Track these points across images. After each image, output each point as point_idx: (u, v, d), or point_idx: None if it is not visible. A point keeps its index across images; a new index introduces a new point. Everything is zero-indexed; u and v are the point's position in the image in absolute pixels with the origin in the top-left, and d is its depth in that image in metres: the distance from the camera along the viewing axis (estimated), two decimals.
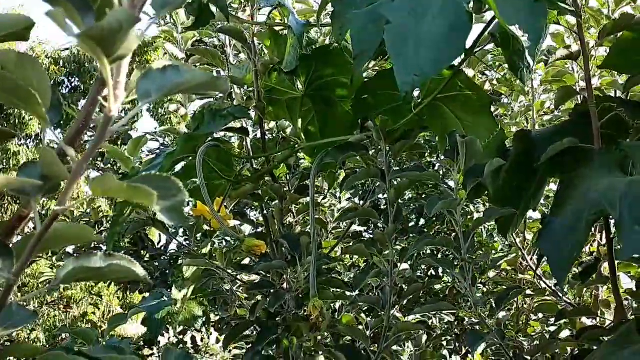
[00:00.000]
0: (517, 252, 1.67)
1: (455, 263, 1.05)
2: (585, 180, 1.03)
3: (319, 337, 1.51)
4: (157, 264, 3.40)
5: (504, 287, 1.52)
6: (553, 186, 1.96)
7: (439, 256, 1.83)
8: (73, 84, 8.45)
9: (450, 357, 2.46)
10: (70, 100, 8.37)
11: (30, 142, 8.17)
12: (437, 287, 2.41)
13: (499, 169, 1.09)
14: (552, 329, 1.72)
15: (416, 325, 1.19)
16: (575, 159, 1.08)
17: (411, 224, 2.52)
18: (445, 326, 2.16)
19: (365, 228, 2.33)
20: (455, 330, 2.31)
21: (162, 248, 3.32)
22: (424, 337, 1.88)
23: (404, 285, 1.56)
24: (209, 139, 1.25)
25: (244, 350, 1.91)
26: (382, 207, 3.49)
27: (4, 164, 7.54)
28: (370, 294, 1.73)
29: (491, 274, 2.02)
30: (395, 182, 1.20)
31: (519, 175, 1.14)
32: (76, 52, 8.19)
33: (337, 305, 2.16)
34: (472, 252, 1.05)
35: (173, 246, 3.16)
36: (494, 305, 1.13)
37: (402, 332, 1.21)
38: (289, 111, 1.39)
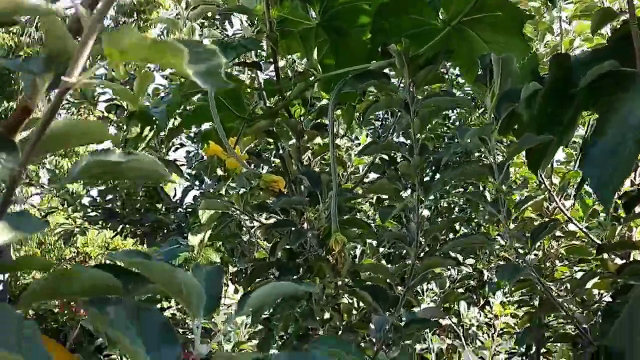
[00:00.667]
0: (544, 195, 1.61)
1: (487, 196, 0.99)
2: (627, 103, 0.97)
3: (339, 282, 1.47)
4: (173, 216, 3.39)
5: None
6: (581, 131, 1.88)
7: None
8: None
9: (468, 309, 2.44)
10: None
11: None
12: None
13: (533, 95, 1.02)
14: (580, 274, 1.68)
15: (447, 261, 1.14)
16: (615, 82, 1.01)
17: (426, 178, 2.47)
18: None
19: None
20: (472, 282, 2.28)
21: (178, 201, 3.30)
22: (447, 281, 1.85)
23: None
24: None
25: None
26: (399, 160, 3.44)
27: None
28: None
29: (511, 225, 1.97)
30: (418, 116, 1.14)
31: (555, 102, 1.07)
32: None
33: (358, 252, 2.12)
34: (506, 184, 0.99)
35: (189, 199, 3.13)
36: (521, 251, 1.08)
37: (431, 268, 1.16)
38: (302, 43, 1.31)
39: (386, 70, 1.22)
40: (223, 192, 1.54)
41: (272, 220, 1.42)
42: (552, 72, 1.06)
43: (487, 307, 2.50)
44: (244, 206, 1.41)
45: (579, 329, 1.09)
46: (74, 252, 6.69)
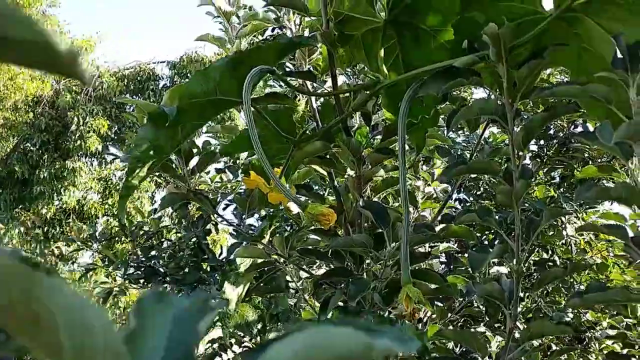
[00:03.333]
0: None
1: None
2: None
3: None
4: (217, 276, 3.14)
5: None
6: None
7: None
8: None
9: None
10: (137, 118, 8.40)
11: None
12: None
13: None
14: None
15: (561, 328, 0.82)
16: None
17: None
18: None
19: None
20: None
21: (224, 260, 3.06)
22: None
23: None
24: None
25: None
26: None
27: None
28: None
29: None
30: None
31: None
32: (138, 70, 8.23)
33: (421, 315, 1.80)
34: None
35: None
36: None
37: (538, 338, 0.84)
38: (366, 46, 1.06)
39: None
40: (267, 235, 1.27)
41: (323, 270, 1.14)
42: None
43: None
44: (290, 252, 1.14)
45: None
46: (118, 313, 6.52)
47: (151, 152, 0.83)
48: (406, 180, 0.89)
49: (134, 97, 8.36)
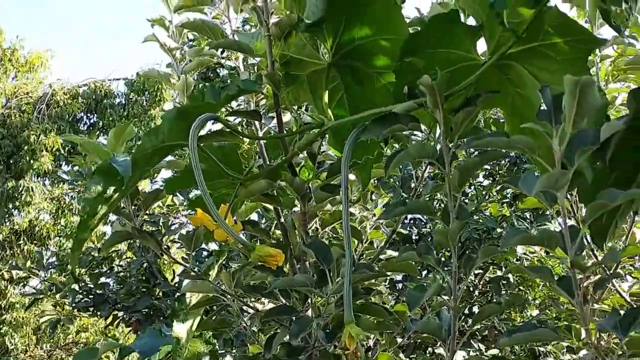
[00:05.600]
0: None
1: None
2: None
3: None
4: (169, 301, 3.09)
5: None
6: None
7: None
8: (92, 120, 8.32)
9: None
10: (89, 137, 8.25)
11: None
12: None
13: (609, 141, 0.77)
14: None
15: None
16: None
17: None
18: None
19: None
20: None
21: (176, 285, 3.02)
22: None
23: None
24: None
25: None
26: (414, 237, 3.12)
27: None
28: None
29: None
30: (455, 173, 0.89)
31: (635, 147, 0.82)
32: (93, 87, 8.08)
33: (371, 342, 1.82)
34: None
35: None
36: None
37: None
38: (311, 89, 1.09)
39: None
40: (215, 269, 1.27)
41: (269, 306, 1.15)
42: (632, 109, 0.82)
43: None
44: (236, 288, 1.14)
45: None
46: (71, 340, 6.34)
47: (101, 204, 0.83)
48: (349, 222, 0.91)
49: (90, 115, 8.19)
